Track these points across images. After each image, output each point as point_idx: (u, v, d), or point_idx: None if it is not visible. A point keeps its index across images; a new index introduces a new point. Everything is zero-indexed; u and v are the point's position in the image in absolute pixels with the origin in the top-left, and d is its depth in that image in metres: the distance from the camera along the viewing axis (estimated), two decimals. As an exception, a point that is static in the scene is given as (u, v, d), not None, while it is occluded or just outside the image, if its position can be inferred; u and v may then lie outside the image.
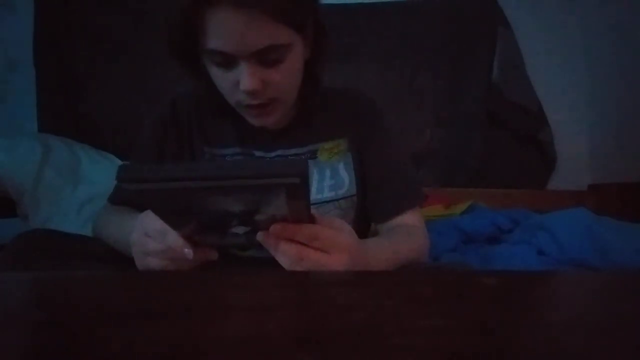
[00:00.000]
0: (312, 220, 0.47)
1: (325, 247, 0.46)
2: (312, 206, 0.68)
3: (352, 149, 0.75)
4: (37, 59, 1.94)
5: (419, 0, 1.98)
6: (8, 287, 0.37)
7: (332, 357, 0.21)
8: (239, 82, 0.60)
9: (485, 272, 0.60)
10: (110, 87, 1.97)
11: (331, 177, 0.73)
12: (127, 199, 0.72)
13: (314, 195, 0.72)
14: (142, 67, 1.96)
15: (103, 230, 0.69)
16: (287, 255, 0.46)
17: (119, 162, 1.76)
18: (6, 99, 1.95)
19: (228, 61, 0.59)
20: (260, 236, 0.46)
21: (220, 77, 0.62)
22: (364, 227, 0.80)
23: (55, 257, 0.59)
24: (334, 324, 0.26)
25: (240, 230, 0.47)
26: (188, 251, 0.47)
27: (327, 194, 0.73)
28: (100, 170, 1.65)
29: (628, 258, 1.02)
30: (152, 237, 0.50)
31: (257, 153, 0.74)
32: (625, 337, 0.25)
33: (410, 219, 0.73)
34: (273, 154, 0.75)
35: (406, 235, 0.69)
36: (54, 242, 0.63)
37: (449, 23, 1.97)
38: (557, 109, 1.97)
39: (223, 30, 0.57)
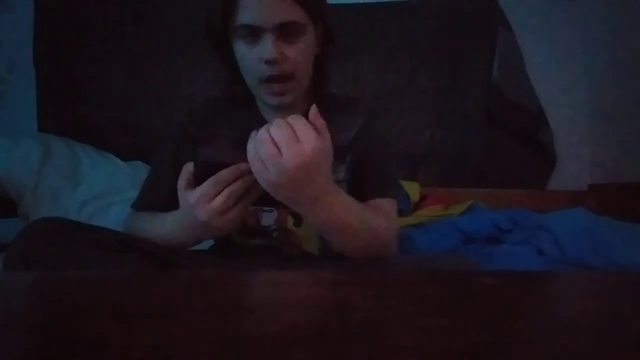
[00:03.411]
0: None
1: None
2: None
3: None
4: (37, 59, 1.94)
5: (418, 0, 1.98)
6: (8, 287, 0.37)
7: (332, 357, 0.21)
8: (262, 57, 0.71)
9: (485, 272, 0.60)
10: (111, 87, 1.97)
11: None
12: (150, 204, 0.81)
13: None
14: (142, 67, 1.96)
15: (139, 233, 0.75)
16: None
17: (120, 162, 1.76)
18: (6, 99, 1.95)
19: (255, 35, 0.71)
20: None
21: (247, 54, 0.74)
22: None
23: (64, 245, 0.61)
24: (334, 324, 0.26)
25: None
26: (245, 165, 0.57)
27: None
28: (100, 170, 1.65)
29: (628, 258, 1.02)
30: (212, 193, 0.59)
31: None
32: (625, 337, 0.25)
33: (386, 206, 0.78)
34: None
35: (378, 213, 0.74)
36: (63, 231, 0.64)
37: (449, 23, 1.97)
38: (557, 109, 1.96)
39: (254, 7, 0.70)
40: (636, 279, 0.41)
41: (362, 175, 0.80)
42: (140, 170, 1.67)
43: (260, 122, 0.81)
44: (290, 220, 0.79)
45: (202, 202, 0.60)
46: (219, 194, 0.59)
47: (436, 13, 1.97)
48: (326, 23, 0.80)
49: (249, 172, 0.58)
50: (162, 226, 0.72)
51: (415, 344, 0.22)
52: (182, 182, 0.63)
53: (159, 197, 0.79)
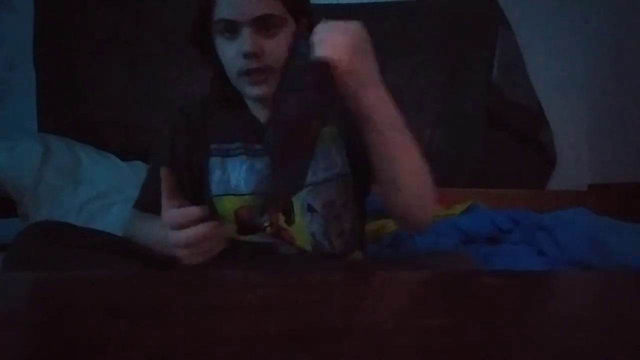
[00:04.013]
0: None
1: None
2: (306, 188, 0.76)
3: (343, 134, 0.82)
4: (37, 59, 1.94)
5: (418, 0, 1.98)
6: (8, 287, 0.37)
7: (332, 357, 0.21)
8: (241, 51, 0.72)
9: (485, 272, 0.60)
10: (110, 87, 1.97)
11: (323, 159, 0.79)
12: (149, 205, 0.81)
13: (309, 178, 0.76)
14: (142, 67, 1.96)
15: (135, 237, 0.77)
16: None
17: (120, 162, 1.76)
18: (6, 99, 1.94)
19: (233, 30, 0.72)
20: None
21: (226, 48, 0.74)
22: (360, 208, 0.86)
23: (62, 248, 0.61)
24: (334, 324, 0.26)
25: None
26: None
27: (321, 175, 0.79)
28: (100, 171, 1.65)
29: (628, 258, 1.02)
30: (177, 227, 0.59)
31: (258, 146, 0.81)
32: (625, 337, 0.25)
33: None
34: None
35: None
36: (62, 234, 0.64)
37: (449, 23, 1.97)
38: (557, 109, 1.97)
39: (230, 1, 0.72)
40: (636, 279, 0.41)
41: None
42: (140, 170, 1.67)
43: (252, 121, 0.83)
44: (282, 218, 0.79)
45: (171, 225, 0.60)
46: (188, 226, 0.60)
47: (436, 13, 1.96)
48: (311, 20, 0.79)
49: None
50: (148, 234, 0.73)
51: (414, 344, 0.22)
52: (164, 190, 0.63)
53: (157, 198, 0.79)
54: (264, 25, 0.72)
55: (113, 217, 1.44)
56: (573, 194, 1.89)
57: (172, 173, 0.64)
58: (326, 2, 1.72)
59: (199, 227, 0.59)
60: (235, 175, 0.80)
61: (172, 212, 0.61)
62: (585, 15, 1.95)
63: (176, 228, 0.60)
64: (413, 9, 1.96)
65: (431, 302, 0.31)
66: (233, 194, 0.79)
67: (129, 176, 1.65)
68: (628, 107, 1.77)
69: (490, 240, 1.35)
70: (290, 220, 0.79)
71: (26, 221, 1.51)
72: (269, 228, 0.79)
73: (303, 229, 0.79)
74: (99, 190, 1.56)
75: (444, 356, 0.21)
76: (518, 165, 1.98)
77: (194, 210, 0.60)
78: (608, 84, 1.88)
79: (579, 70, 1.97)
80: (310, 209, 0.79)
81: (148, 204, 0.82)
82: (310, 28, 0.79)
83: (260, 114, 0.83)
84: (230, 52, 0.74)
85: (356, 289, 0.35)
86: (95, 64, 1.96)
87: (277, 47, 0.73)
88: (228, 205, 0.79)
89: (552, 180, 1.99)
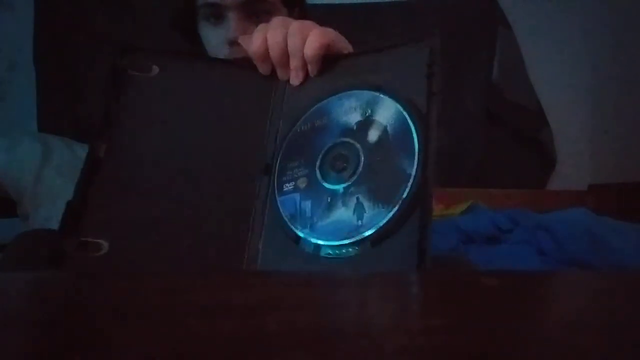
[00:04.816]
0: None
1: None
2: None
3: None
4: (37, 59, 1.94)
5: (418, 0, 1.98)
6: (8, 287, 0.37)
7: (332, 357, 0.21)
8: (226, 38, 0.67)
9: (485, 272, 0.60)
10: (110, 87, 1.97)
11: None
12: None
13: None
14: (142, 67, 1.96)
15: None
16: None
17: (119, 162, 1.76)
18: (6, 99, 1.95)
19: (218, 14, 0.68)
20: None
21: (211, 36, 0.70)
22: None
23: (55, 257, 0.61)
24: (333, 324, 0.26)
25: None
26: None
27: None
28: (100, 170, 1.65)
29: (628, 258, 1.02)
30: None
31: None
32: (625, 337, 0.25)
33: None
34: None
35: None
36: (55, 242, 0.64)
37: (448, 23, 1.97)
38: (557, 109, 1.97)
39: None
40: (636, 279, 0.41)
41: None
42: (140, 170, 1.67)
43: None
44: None
45: None
46: None
47: (436, 13, 1.96)
48: (304, 10, 0.77)
49: None
50: None
51: (414, 344, 0.22)
52: None
53: None
54: (252, 10, 0.67)
55: (113, 217, 1.43)
56: (573, 194, 1.89)
57: None
58: (327, 2, 1.73)
59: None
60: None
61: None
62: (585, 16, 1.95)
63: None
64: (413, 9, 1.96)
65: (431, 302, 0.31)
66: None
67: (128, 176, 1.65)
68: (628, 107, 1.77)
69: (490, 240, 1.35)
70: None
71: (26, 221, 1.50)
72: None
73: None
74: (98, 190, 1.56)
75: (444, 356, 0.21)
76: (518, 165, 1.98)
77: None
78: (608, 84, 1.88)
79: (579, 70, 1.97)
80: None
81: None
82: (302, 19, 0.78)
83: None
84: (215, 39, 0.69)
85: (356, 289, 0.35)
86: (95, 63, 1.96)
87: None
88: None
89: (552, 180, 1.99)
